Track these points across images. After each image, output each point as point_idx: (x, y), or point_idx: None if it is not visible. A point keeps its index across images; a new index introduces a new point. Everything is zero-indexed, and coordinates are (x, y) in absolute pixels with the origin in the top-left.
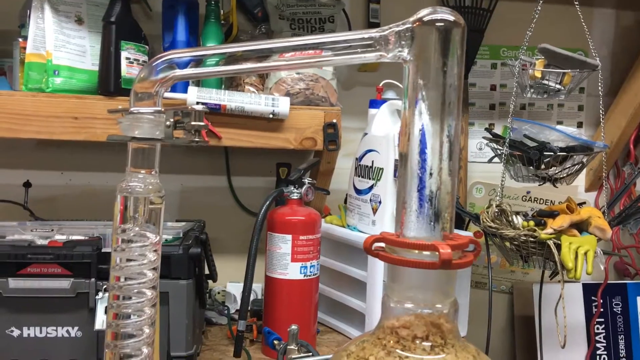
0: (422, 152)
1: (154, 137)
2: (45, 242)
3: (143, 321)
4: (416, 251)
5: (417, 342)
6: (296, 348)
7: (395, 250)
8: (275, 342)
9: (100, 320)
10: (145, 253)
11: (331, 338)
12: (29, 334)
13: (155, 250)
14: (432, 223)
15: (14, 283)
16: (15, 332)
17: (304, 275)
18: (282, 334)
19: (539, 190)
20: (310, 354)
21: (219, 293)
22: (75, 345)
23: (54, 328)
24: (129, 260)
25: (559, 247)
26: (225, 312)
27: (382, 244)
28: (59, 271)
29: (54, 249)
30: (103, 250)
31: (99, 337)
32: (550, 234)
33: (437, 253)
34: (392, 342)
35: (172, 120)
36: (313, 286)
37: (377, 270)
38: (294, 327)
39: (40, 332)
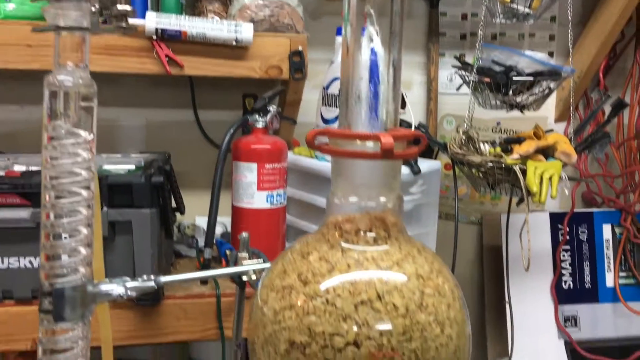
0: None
1: (81, 27)
2: (2, 172)
3: (79, 221)
4: (359, 142)
5: (361, 234)
6: (247, 256)
7: (339, 144)
8: (228, 251)
9: None
10: (77, 151)
11: None
12: None
13: (89, 149)
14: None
15: None
16: None
17: (271, 204)
18: None
19: (508, 121)
20: (261, 259)
21: (188, 227)
22: (38, 275)
23: (16, 259)
24: (58, 158)
25: (524, 172)
26: (195, 245)
27: (326, 139)
28: (17, 201)
29: (11, 178)
30: None
31: None
32: (516, 159)
33: (379, 143)
34: (336, 236)
35: (97, 6)
36: (280, 215)
37: None
38: (244, 234)
39: (2, 263)
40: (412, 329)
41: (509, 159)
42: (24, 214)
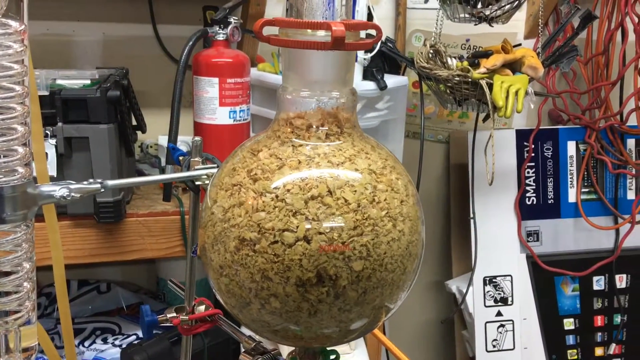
0: None
1: None
2: None
3: (13, 118)
4: (309, 31)
5: (312, 130)
6: (200, 160)
7: (289, 34)
8: (181, 157)
9: None
10: (9, 43)
11: None
12: None
13: (22, 41)
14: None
15: None
16: None
17: (234, 120)
18: None
19: (478, 38)
20: (216, 165)
21: (151, 147)
22: None
23: None
24: None
25: (490, 86)
26: (158, 164)
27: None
28: None
29: None
30: None
31: None
32: (483, 73)
33: (330, 32)
34: (287, 132)
35: None
36: (244, 132)
37: None
38: (197, 138)
39: None
40: (364, 224)
41: (476, 73)
42: None
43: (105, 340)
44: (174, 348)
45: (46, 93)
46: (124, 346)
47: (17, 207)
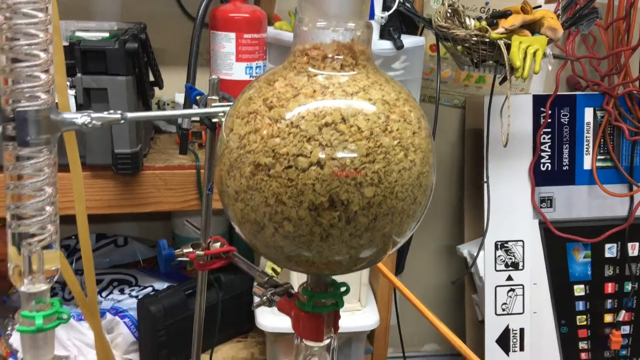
0: None
1: None
2: None
3: (36, 44)
4: None
5: (328, 60)
6: (217, 98)
7: None
8: (198, 97)
9: None
10: None
11: None
12: None
13: None
14: None
15: None
16: None
17: (250, 76)
18: None
19: (497, 1)
20: (232, 103)
21: (167, 104)
22: None
23: None
24: None
25: (508, 46)
26: (174, 120)
27: None
28: None
29: None
30: None
31: None
32: (501, 33)
33: None
34: (302, 62)
35: None
36: None
37: None
38: (214, 77)
39: None
40: (376, 152)
41: (494, 33)
42: None
43: (122, 291)
44: (188, 300)
45: (66, 44)
46: (140, 297)
47: (41, 132)
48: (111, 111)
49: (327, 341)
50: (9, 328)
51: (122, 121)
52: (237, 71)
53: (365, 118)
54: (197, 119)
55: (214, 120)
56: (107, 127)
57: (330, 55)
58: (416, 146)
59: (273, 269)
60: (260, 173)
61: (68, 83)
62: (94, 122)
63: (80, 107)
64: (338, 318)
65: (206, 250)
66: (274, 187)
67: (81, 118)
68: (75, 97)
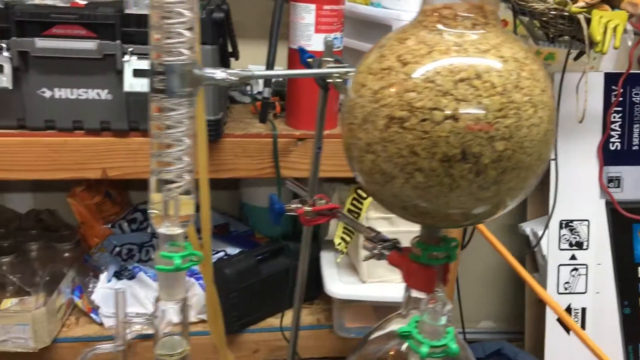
0: None
1: None
2: (67, 3)
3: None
4: None
5: (459, 19)
6: (332, 60)
7: None
8: (310, 59)
9: (129, 83)
10: None
11: None
12: (60, 96)
13: None
14: None
15: (40, 43)
16: (47, 93)
17: (299, 48)
18: (303, 103)
19: None
20: (346, 65)
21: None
22: (106, 107)
23: (85, 90)
24: None
25: (588, 21)
26: (249, 91)
27: None
28: (83, 33)
29: (76, 9)
30: (126, 11)
31: (128, 99)
32: (582, 7)
33: None
34: (433, 21)
35: None
36: None
37: None
38: (330, 38)
39: (71, 94)
40: (508, 107)
41: (574, 7)
42: (90, 45)
43: None
44: (260, 265)
45: None
46: (214, 261)
47: (185, 84)
48: (243, 68)
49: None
50: (90, 285)
51: (251, 77)
52: (315, 42)
53: (498, 74)
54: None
55: (329, 80)
56: None
57: (461, 14)
58: (544, 104)
59: (342, 239)
60: (395, 126)
61: None
62: (229, 77)
63: None
64: (448, 272)
65: (313, 207)
66: (408, 139)
67: (219, 74)
68: None
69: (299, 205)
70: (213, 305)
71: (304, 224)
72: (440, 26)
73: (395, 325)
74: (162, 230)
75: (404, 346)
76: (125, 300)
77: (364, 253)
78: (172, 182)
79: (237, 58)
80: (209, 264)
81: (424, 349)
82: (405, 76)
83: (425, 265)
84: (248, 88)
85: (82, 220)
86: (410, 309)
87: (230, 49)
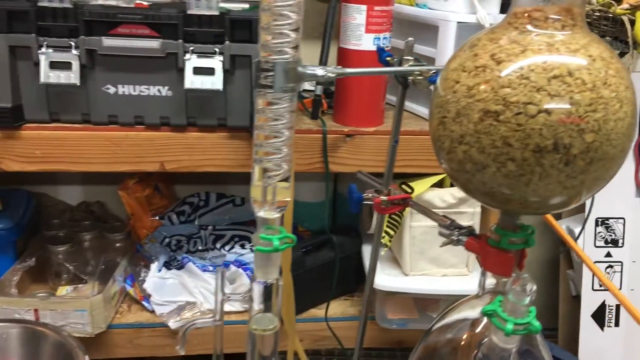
0: None
1: None
2: (131, 4)
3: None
4: None
5: (549, 21)
6: (412, 59)
7: None
8: (388, 58)
9: (189, 80)
10: None
11: None
12: (123, 92)
13: None
14: None
15: (107, 42)
16: (111, 90)
17: (377, 47)
18: (352, 100)
19: None
20: (425, 64)
21: None
22: (166, 103)
23: (147, 87)
24: None
25: (632, 22)
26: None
27: None
28: (147, 32)
29: (141, 10)
30: (188, 12)
31: (187, 96)
32: (626, 9)
33: None
34: (524, 22)
35: None
36: None
37: (446, 46)
38: (410, 38)
39: (134, 91)
40: (597, 102)
41: (619, 9)
42: (154, 44)
43: (242, 246)
44: (305, 257)
45: (216, 13)
46: None
47: (288, 80)
48: (333, 67)
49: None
50: (142, 274)
51: (340, 76)
52: (365, 42)
53: (588, 72)
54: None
55: (410, 78)
56: (247, 90)
57: (551, 16)
58: (628, 99)
59: (386, 232)
60: (489, 119)
61: (217, 49)
62: (328, 74)
63: (226, 72)
64: (524, 257)
65: (389, 196)
66: (502, 131)
67: (319, 71)
68: (223, 63)
69: (376, 195)
70: (288, 293)
71: (379, 212)
72: (530, 27)
73: (464, 312)
74: (261, 214)
75: (480, 327)
76: (224, 277)
77: (441, 238)
78: (272, 170)
79: None
80: (289, 251)
81: (509, 326)
82: (500, 73)
83: (504, 250)
84: None
85: (132, 212)
86: (485, 292)
87: None
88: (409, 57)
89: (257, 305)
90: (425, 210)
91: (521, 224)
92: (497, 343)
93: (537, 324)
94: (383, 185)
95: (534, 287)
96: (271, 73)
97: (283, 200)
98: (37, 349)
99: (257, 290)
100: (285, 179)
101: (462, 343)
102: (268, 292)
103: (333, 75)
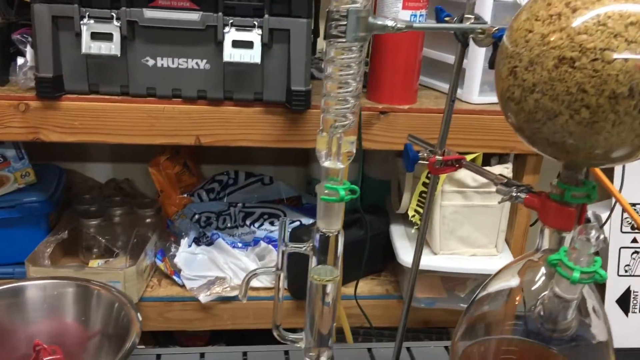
0: None
1: None
2: None
3: None
4: None
5: None
6: (472, 16)
7: None
8: (447, 18)
9: (228, 53)
10: None
11: (429, 93)
12: (162, 64)
13: None
14: None
15: (148, 13)
16: (150, 62)
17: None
18: (387, 77)
19: None
20: (486, 21)
21: (320, 52)
22: (203, 76)
23: (185, 60)
24: None
25: None
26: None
27: None
28: (187, 4)
29: None
30: None
31: (225, 70)
32: None
33: None
34: None
35: None
36: (419, 36)
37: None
38: (416, 13)
39: (172, 63)
40: None
41: None
42: (194, 16)
43: (272, 224)
44: None
45: None
46: (289, 230)
47: (359, 30)
48: (404, 20)
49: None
50: (172, 249)
51: (405, 29)
52: (402, 18)
53: None
54: None
55: (471, 36)
56: (285, 64)
57: None
58: None
59: (416, 211)
60: (565, 66)
61: (255, 23)
62: (397, 25)
63: (264, 46)
64: (585, 212)
65: (444, 156)
66: (577, 77)
67: (389, 22)
68: (261, 37)
69: (430, 154)
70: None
71: (432, 172)
72: None
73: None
74: (326, 164)
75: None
76: (285, 228)
77: (497, 196)
78: (338, 120)
79: (318, 35)
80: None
81: (576, 274)
82: (576, 20)
83: (566, 204)
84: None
85: (162, 189)
86: (542, 251)
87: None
88: (470, 15)
89: (318, 256)
90: (480, 170)
91: (583, 179)
92: (559, 293)
93: (603, 272)
94: (437, 146)
95: (601, 236)
96: (343, 22)
97: (348, 151)
98: (91, 306)
99: (319, 241)
100: (351, 132)
101: (508, 310)
102: (326, 244)
103: (402, 26)
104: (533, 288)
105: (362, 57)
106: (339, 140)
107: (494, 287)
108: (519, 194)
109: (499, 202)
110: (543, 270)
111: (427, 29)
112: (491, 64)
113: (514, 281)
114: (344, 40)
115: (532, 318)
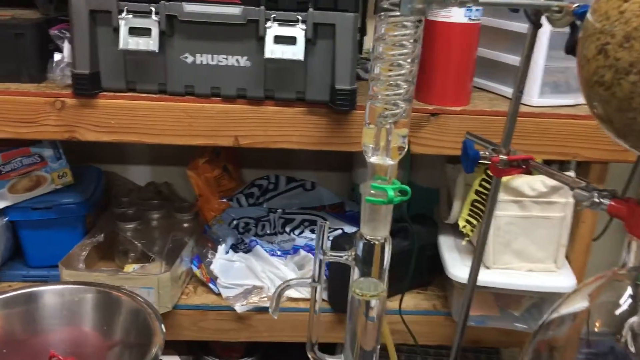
0: None
1: None
2: None
3: None
4: None
5: None
6: None
7: None
8: None
9: (270, 49)
10: None
11: (483, 95)
12: (201, 61)
13: None
14: None
15: (188, 7)
16: (189, 59)
17: (469, 19)
18: (439, 77)
19: None
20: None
21: (366, 52)
22: (243, 74)
23: (225, 56)
24: None
25: None
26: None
27: None
28: None
29: None
30: None
31: (266, 67)
32: None
33: None
34: None
35: None
36: (475, 32)
37: None
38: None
39: (212, 60)
40: None
41: None
42: (235, 10)
43: (312, 231)
44: None
45: None
46: (331, 238)
47: (415, 0)
48: None
49: None
50: (209, 255)
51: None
52: (456, 13)
53: None
54: None
55: (546, 14)
56: (330, 61)
57: None
58: None
59: (468, 221)
60: None
61: (299, 17)
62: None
63: (308, 42)
64: None
65: (509, 156)
66: None
67: None
68: (305, 32)
69: (494, 154)
70: None
71: (495, 174)
72: None
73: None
74: (373, 159)
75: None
76: (325, 233)
77: (557, 206)
78: (387, 109)
79: (364, 34)
80: None
81: None
82: None
83: None
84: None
85: (200, 193)
86: (630, 268)
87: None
88: None
89: (361, 267)
90: (553, 172)
91: None
92: None
93: None
94: (501, 144)
95: None
96: None
97: (399, 146)
98: (112, 315)
99: (362, 249)
100: (403, 124)
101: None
102: (371, 253)
103: (454, 1)
104: (618, 312)
105: (418, 35)
106: (388, 132)
107: (567, 308)
108: (601, 199)
109: (578, 209)
110: (630, 290)
111: (493, 4)
112: (570, 47)
113: (591, 303)
114: (397, 13)
115: (619, 347)
